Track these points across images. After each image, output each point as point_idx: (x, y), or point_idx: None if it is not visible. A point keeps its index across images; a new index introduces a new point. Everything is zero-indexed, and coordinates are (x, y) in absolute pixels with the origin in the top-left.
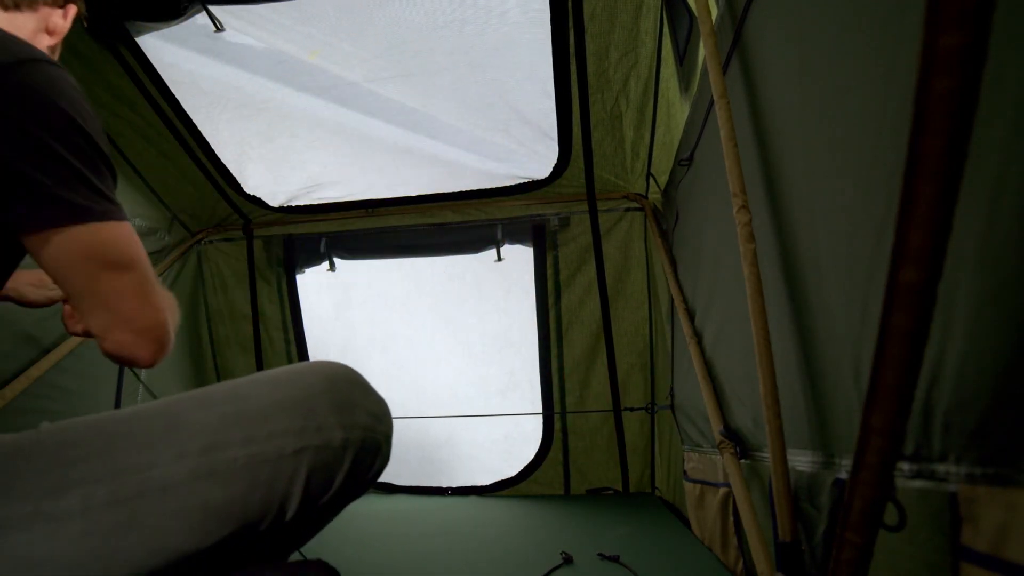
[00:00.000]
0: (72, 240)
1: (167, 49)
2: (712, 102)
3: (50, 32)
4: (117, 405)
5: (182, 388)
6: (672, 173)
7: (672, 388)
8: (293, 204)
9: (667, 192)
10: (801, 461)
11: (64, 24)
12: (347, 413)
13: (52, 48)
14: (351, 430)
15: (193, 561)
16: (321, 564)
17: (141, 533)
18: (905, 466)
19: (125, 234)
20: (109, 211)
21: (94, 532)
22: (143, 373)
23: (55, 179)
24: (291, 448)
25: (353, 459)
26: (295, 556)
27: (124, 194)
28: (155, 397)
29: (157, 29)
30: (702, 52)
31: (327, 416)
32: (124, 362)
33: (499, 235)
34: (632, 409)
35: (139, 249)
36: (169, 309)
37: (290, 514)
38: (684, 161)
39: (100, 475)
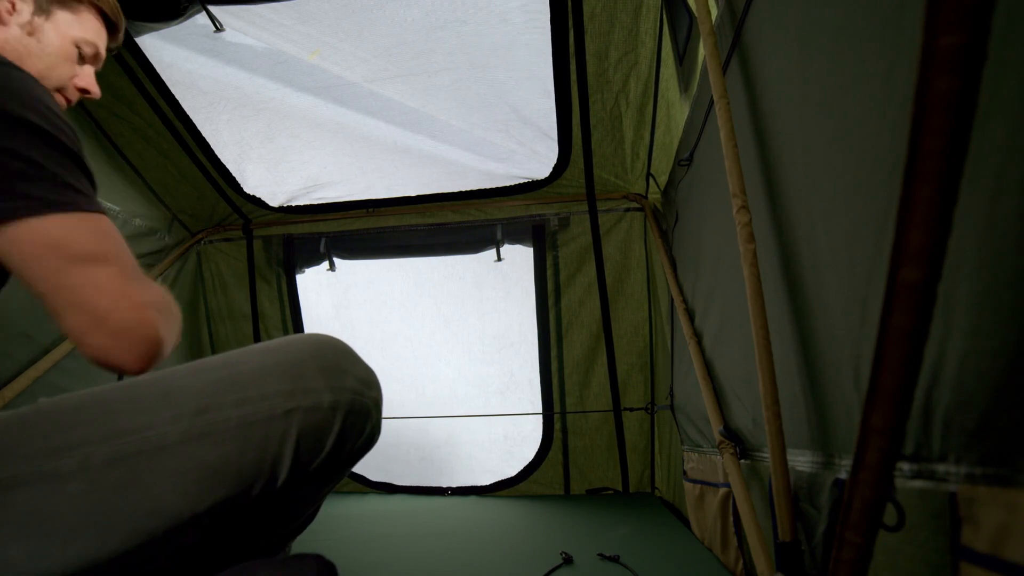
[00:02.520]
0: (32, 232)
1: (167, 49)
2: (712, 102)
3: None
4: None
5: None
6: (672, 173)
7: (672, 388)
8: (293, 204)
9: (667, 192)
10: (801, 461)
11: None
12: (335, 377)
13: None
14: (340, 392)
15: (190, 528)
16: (318, 559)
17: (139, 491)
18: (905, 466)
19: (94, 225)
20: (74, 201)
21: (93, 490)
22: None
23: (6, 173)
24: (281, 409)
25: (342, 422)
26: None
27: (124, 194)
28: None
29: (157, 29)
30: (702, 52)
31: (315, 379)
32: (111, 369)
33: (499, 235)
34: (632, 409)
35: (113, 242)
36: (158, 307)
37: (282, 478)
38: (684, 161)
39: (98, 437)
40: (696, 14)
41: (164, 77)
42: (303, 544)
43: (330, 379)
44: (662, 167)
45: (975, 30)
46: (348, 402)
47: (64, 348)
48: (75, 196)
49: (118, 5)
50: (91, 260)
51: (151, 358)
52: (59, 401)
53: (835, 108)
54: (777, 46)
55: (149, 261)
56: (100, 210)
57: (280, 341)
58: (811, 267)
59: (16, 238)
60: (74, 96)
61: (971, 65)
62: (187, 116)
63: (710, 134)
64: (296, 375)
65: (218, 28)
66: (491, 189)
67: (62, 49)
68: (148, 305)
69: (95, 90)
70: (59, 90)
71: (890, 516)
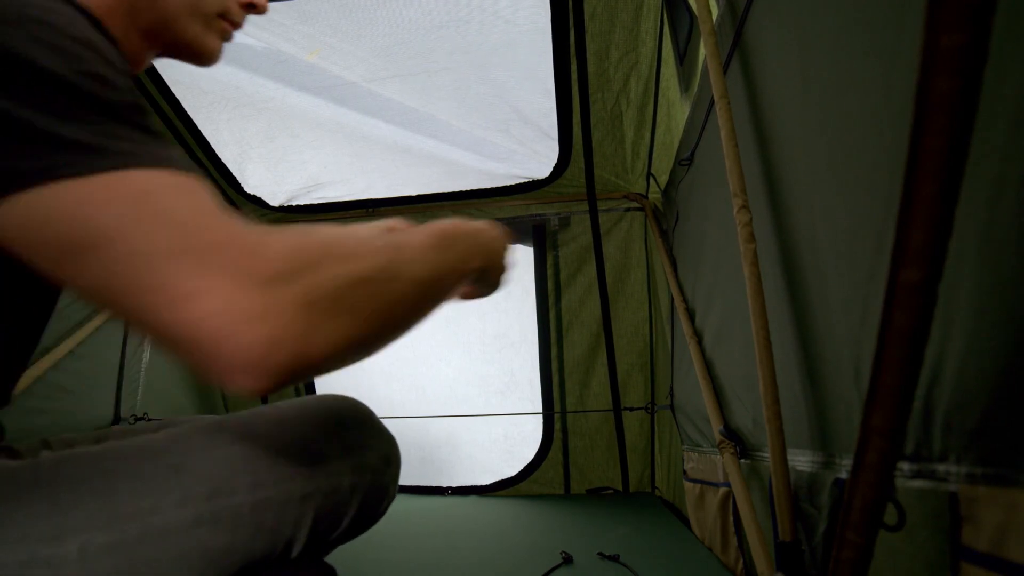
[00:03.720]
0: (22, 212)
1: None
2: (712, 102)
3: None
4: (117, 405)
5: (182, 389)
6: (672, 173)
7: (672, 388)
8: (293, 204)
9: (667, 192)
10: (801, 461)
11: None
12: (356, 455)
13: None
14: (360, 473)
15: None
16: (319, 563)
17: None
18: (905, 466)
19: (132, 189)
20: (78, 162)
21: None
22: (142, 374)
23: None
24: (299, 493)
25: (360, 503)
26: None
27: None
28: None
29: None
30: (702, 52)
31: (336, 460)
32: (230, 386)
33: None
34: (632, 409)
35: (187, 205)
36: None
37: (294, 553)
38: (684, 161)
39: (99, 521)
40: (697, 14)
41: (164, 77)
42: None
43: (351, 459)
44: (663, 167)
45: (976, 30)
46: (368, 483)
47: (64, 348)
48: (82, 154)
49: None
50: (88, 246)
51: (261, 370)
52: (59, 464)
53: (836, 108)
54: (778, 46)
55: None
56: (153, 164)
57: (300, 409)
58: (812, 267)
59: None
60: (240, 17)
61: (972, 65)
62: (187, 116)
63: (711, 134)
64: (315, 455)
65: None
66: (491, 189)
67: None
68: (203, 288)
69: (263, 2)
70: (222, 15)
71: (890, 516)
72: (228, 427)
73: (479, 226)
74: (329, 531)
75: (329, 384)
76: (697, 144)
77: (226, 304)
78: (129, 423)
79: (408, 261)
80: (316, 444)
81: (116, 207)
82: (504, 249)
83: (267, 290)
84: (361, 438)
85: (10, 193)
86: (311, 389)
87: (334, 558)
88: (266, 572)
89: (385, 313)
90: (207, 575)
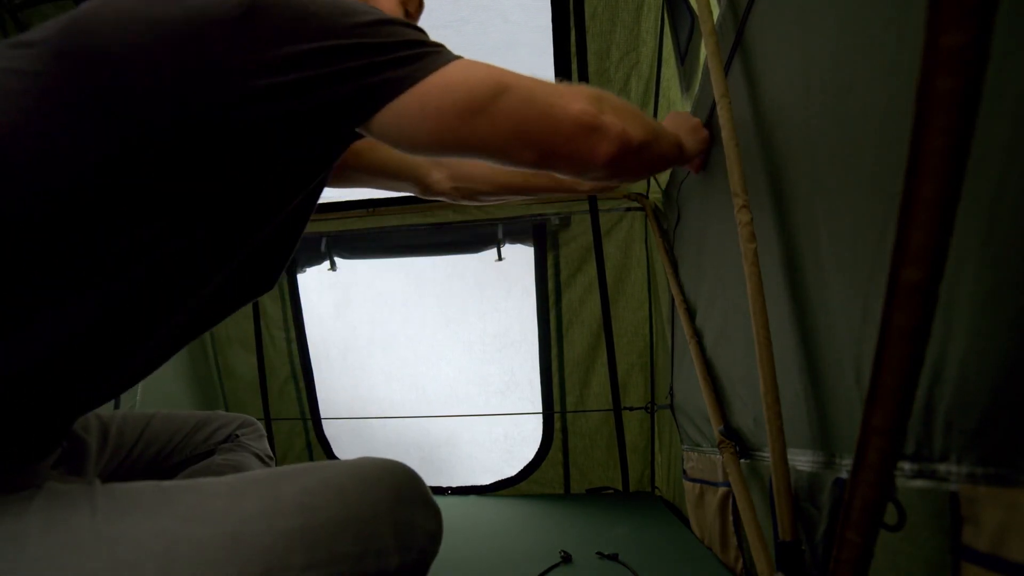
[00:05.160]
0: (414, 106)
1: None
2: (714, 102)
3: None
4: (116, 405)
5: (182, 386)
6: (673, 172)
7: (671, 387)
8: None
9: (668, 192)
10: (801, 461)
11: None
12: (407, 535)
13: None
14: (407, 553)
15: None
16: None
17: None
18: (906, 466)
19: (456, 75)
20: (413, 71)
21: None
22: None
23: (331, 76)
24: (349, 574)
25: None
26: None
27: None
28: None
29: None
30: (703, 51)
31: (387, 539)
32: (592, 170)
33: (499, 235)
34: (632, 408)
35: (487, 73)
36: (589, 99)
37: None
38: None
39: None
40: (698, 13)
41: None
42: None
43: (401, 538)
44: None
45: (978, 29)
46: (413, 562)
47: None
48: (406, 67)
49: None
50: (482, 106)
51: (612, 155)
52: (118, 506)
53: (837, 107)
54: (779, 46)
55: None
56: (446, 58)
57: (357, 478)
58: (813, 266)
59: (404, 121)
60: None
61: (973, 64)
62: None
63: (713, 132)
64: (369, 535)
65: None
66: None
67: None
68: (573, 102)
69: None
70: None
71: (891, 516)
72: (288, 493)
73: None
74: None
75: (330, 384)
76: None
77: (589, 111)
78: None
79: (666, 154)
80: (371, 524)
81: (486, 71)
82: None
83: (598, 105)
84: (413, 516)
85: (403, 91)
86: (312, 395)
87: None
88: None
89: (650, 135)
90: None
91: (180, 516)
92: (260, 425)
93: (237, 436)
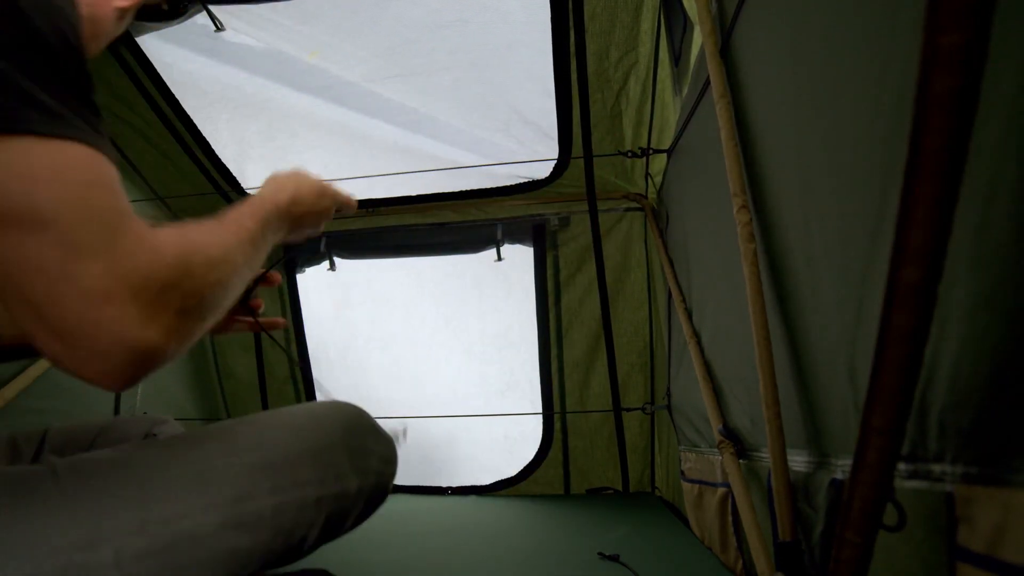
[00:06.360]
0: None
1: (167, 49)
2: (697, 103)
3: None
4: (117, 404)
5: (182, 389)
6: (664, 174)
7: (668, 388)
8: None
9: (660, 193)
10: (797, 461)
11: None
12: (362, 459)
13: (123, 11)
14: (365, 476)
15: None
16: (324, 574)
17: None
18: (901, 466)
19: (23, 159)
20: None
21: None
22: None
23: None
24: (313, 497)
25: (365, 502)
26: None
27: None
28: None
29: (157, 29)
30: (695, 53)
31: (344, 464)
32: (88, 381)
33: (499, 235)
34: (632, 409)
35: (60, 187)
36: (147, 283)
37: (304, 550)
38: (673, 161)
39: (132, 527)
40: (697, 14)
41: (164, 77)
42: None
43: (357, 462)
44: (658, 167)
45: (976, 29)
46: (372, 485)
47: None
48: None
49: None
50: (25, 223)
51: (129, 374)
52: (80, 471)
53: (829, 108)
54: (769, 48)
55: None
56: (48, 133)
57: (309, 417)
58: (805, 267)
59: None
60: None
61: (972, 64)
62: (187, 116)
63: (697, 135)
64: (327, 462)
65: (218, 28)
66: (491, 189)
67: None
68: (114, 291)
69: None
70: None
71: (890, 516)
72: (244, 435)
73: (312, 198)
74: (337, 529)
75: (330, 384)
76: (684, 144)
77: (122, 310)
78: None
79: (252, 255)
80: (327, 452)
81: (57, 189)
82: (329, 212)
83: (155, 300)
84: (365, 442)
85: None
86: (311, 395)
87: (334, 558)
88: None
89: (230, 300)
90: (230, 571)
91: (144, 464)
92: (177, 424)
93: (155, 435)
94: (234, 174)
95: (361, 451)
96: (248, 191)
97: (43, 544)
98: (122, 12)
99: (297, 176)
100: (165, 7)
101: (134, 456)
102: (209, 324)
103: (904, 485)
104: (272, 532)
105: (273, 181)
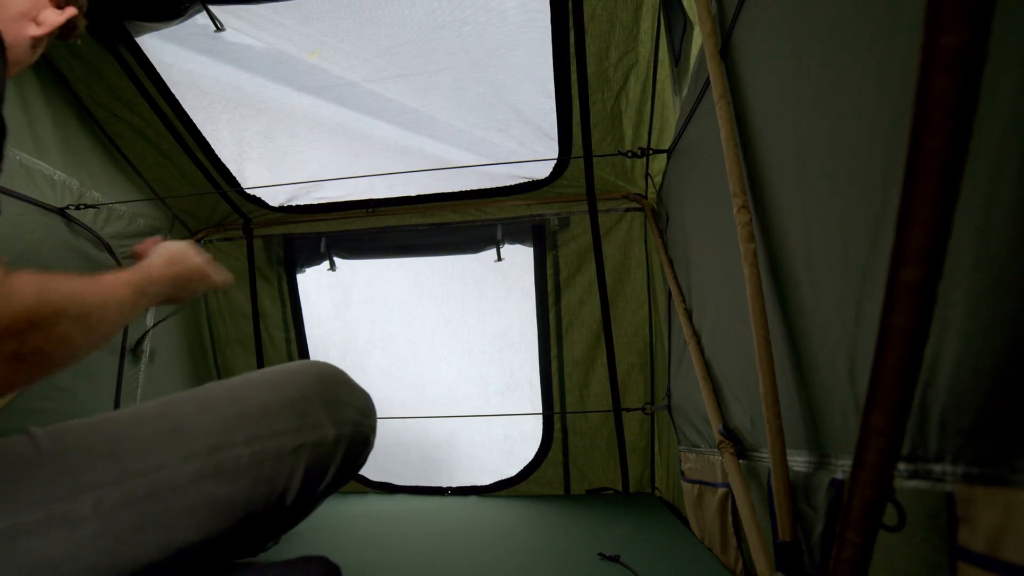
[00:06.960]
0: None
1: (167, 49)
2: (697, 103)
3: (38, 23)
4: (117, 405)
5: (183, 387)
6: (664, 174)
7: (669, 388)
8: (293, 204)
9: (660, 193)
10: (797, 461)
11: (55, 20)
12: (337, 410)
13: (36, 40)
14: (342, 426)
15: (197, 549)
16: (323, 560)
17: (152, 531)
18: (901, 466)
19: None
20: None
21: (107, 532)
22: (141, 375)
23: None
24: (290, 445)
25: (345, 452)
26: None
27: (125, 194)
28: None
29: (157, 29)
30: (694, 53)
31: (320, 414)
32: None
33: (499, 235)
34: (631, 409)
35: None
36: None
37: (288, 502)
38: (673, 162)
39: (110, 478)
40: (698, 16)
41: (164, 77)
42: (306, 545)
43: (333, 413)
44: (657, 167)
45: (976, 29)
46: (350, 434)
47: None
48: None
49: None
50: None
51: None
52: (60, 436)
53: (829, 108)
54: (769, 49)
55: None
56: None
57: (282, 373)
58: (805, 267)
59: None
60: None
61: (972, 64)
62: (187, 116)
63: (695, 135)
64: (302, 411)
65: (218, 28)
66: (491, 189)
67: None
68: None
69: None
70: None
71: (890, 516)
72: (217, 392)
73: (186, 272)
74: (318, 480)
75: None
76: (684, 144)
77: None
78: None
79: (117, 318)
80: (301, 402)
81: None
82: (201, 285)
83: None
84: (339, 394)
85: None
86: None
87: (334, 558)
88: (271, 571)
89: (81, 352)
90: (213, 524)
91: (121, 423)
92: None
93: None
94: (234, 174)
95: (336, 402)
96: (248, 191)
97: (24, 497)
98: (35, 40)
99: (184, 252)
100: (83, 29)
101: (110, 417)
102: (51, 372)
103: (904, 485)
104: (252, 480)
105: (163, 253)
